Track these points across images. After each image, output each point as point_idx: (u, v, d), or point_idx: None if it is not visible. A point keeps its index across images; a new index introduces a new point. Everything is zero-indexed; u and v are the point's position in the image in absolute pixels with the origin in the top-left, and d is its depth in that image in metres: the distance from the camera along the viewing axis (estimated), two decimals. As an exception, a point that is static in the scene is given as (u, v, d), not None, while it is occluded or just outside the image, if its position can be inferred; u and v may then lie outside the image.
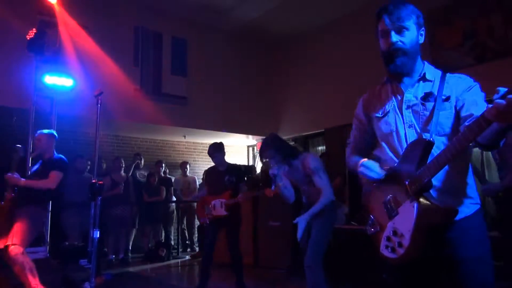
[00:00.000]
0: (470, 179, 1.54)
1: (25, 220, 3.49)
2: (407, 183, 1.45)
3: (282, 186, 3.22)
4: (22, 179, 3.62)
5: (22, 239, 3.42)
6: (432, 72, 1.62)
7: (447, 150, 1.34)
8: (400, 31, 1.56)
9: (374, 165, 1.64)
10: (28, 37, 4.91)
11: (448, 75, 1.59)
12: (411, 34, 1.56)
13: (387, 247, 1.50)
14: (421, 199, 1.41)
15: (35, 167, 3.92)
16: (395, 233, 1.47)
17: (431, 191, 1.43)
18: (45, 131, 3.99)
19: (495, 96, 1.16)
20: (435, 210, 1.39)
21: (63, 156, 3.96)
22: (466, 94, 1.50)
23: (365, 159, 1.71)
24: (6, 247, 3.38)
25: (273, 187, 4.13)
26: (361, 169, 1.66)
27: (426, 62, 1.66)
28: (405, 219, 1.44)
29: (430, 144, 1.43)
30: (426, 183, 1.40)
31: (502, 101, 1.13)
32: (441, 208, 1.40)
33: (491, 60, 5.25)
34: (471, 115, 1.41)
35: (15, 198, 3.63)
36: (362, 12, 6.56)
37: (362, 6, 6.48)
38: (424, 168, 1.41)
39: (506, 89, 1.14)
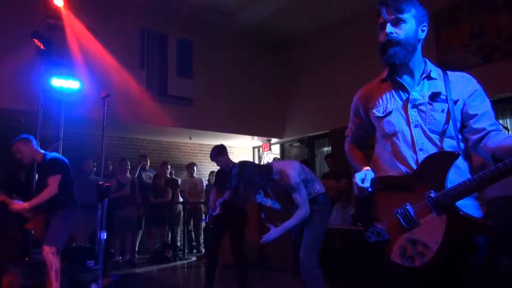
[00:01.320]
0: None
1: (56, 221, 3.57)
2: (433, 196, 1.41)
3: (271, 205, 3.19)
4: (25, 203, 3.52)
5: (54, 239, 3.51)
6: (435, 70, 1.59)
7: (480, 181, 1.31)
8: (396, 23, 1.53)
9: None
10: (37, 43, 4.94)
11: (450, 74, 1.56)
12: (408, 27, 1.53)
13: (403, 256, 1.48)
14: (452, 213, 1.39)
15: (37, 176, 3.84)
16: (415, 243, 1.45)
17: None
18: (18, 138, 3.79)
19: None
20: (466, 223, 1.37)
21: (56, 155, 3.84)
22: (476, 100, 1.50)
23: (368, 168, 1.69)
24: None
25: (262, 214, 4.06)
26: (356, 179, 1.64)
27: (427, 60, 1.62)
28: (431, 231, 1.41)
29: (456, 157, 1.40)
30: (454, 202, 1.38)
31: None
32: (474, 219, 1.37)
33: (498, 60, 5.20)
34: (484, 129, 1.45)
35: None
36: (368, 13, 6.54)
37: (367, 8, 6.46)
38: (453, 189, 1.37)
39: None
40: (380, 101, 1.65)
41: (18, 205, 3.51)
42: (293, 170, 3.03)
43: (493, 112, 1.50)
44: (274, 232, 2.98)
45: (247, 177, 2.91)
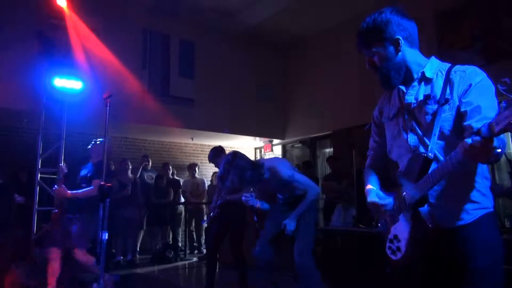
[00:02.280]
0: (479, 182, 1.44)
1: (82, 225, 3.84)
2: (404, 194, 1.49)
3: (260, 206, 3.22)
4: (68, 191, 3.86)
5: (82, 242, 3.83)
6: (435, 68, 1.53)
7: (438, 170, 1.35)
8: (371, 58, 1.58)
9: (375, 194, 1.68)
10: (37, 41, 4.98)
11: (453, 70, 1.49)
12: (381, 56, 1.54)
13: (389, 248, 1.57)
14: (416, 214, 1.44)
15: (85, 171, 4.11)
16: (395, 237, 1.54)
17: (430, 195, 1.42)
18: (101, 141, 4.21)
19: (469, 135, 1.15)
20: (426, 229, 1.42)
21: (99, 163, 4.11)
22: (469, 96, 1.39)
23: (369, 186, 1.75)
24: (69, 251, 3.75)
25: (255, 218, 4.09)
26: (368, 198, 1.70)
27: (433, 57, 1.58)
28: (403, 228, 1.50)
29: (427, 161, 1.43)
30: (419, 199, 1.42)
31: (468, 142, 1.12)
32: (431, 228, 1.42)
33: (501, 61, 5.19)
34: (469, 126, 1.32)
35: (64, 209, 3.95)
36: (369, 14, 6.52)
37: (369, 9, 6.45)
38: (418, 184, 1.43)
39: (484, 126, 1.10)
40: (389, 106, 1.69)
41: (62, 190, 3.83)
42: (283, 166, 3.10)
43: (491, 105, 1.35)
44: (289, 223, 3.04)
45: (239, 170, 2.87)
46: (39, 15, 5.49)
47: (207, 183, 7.97)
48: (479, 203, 1.43)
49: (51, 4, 5.22)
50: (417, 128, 1.52)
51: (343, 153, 7.03)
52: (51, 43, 5.10)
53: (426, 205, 1.42)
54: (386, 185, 1.71)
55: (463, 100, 1.41)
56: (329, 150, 8.11)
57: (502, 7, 5.31)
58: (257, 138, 8.91)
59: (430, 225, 1.41)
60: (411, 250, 1.45)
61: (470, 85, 1.41)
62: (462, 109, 1.40)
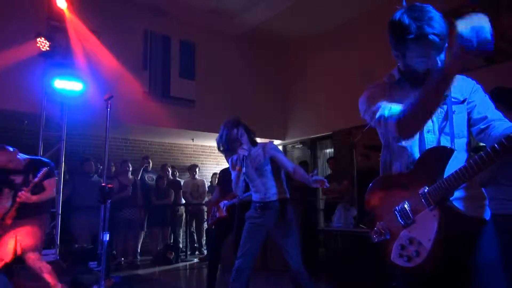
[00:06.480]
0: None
1: (37, 227, 3.54)
2: (426, 191, 1.39)
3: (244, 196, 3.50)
4: (34, 196, 3.49)
5: (36, 245, 3.49)
6: None
7: (470, 168, 1.28)
8: (442, 49, 1.45)
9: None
10: (39, 44, 4.97)
11: None
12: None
13: (401, 255, 1.44)
14: (443, 208, 1.35)
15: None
16: (411, 241, 1.42)
17: (451, 198, 1.39)
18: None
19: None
20: (459, 219, 1.34)
21: (34, 157, 3.82)
22: (474, 96, 1.51)
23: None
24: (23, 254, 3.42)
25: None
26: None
27: None
28: (425, 228, 1.38)
29: (451, 152, 1.38)
30: (447, 194, 1.36)
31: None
32: (466, 216, 1.34)
33: (501, 62, 5.19)
34: (485, 117, 1.45)
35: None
36: (370, 15, 6.54)
37: (369, 9, 6.46)
38: (444, 181, 1.34)
39: None
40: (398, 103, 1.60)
41: (27, 194, 3.44)
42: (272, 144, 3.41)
43: (493, 106, 1.50)
44: None
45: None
46: (40, 17, 5.50)
47: (208, 184, 7.97)
48: (487, 198, 1.51)
49: (51, 6, 5.23)
50: (436, 129, 1.51)
51: (343, 154, 7.03)
52: (51, 44, 5.10)
53: (452, 200, 1.37)
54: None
55: (469, 100, 1.51)
56: (329, 151, 8.11)
57: (503, 7, 5.31)
58: (258, 139, 8.90)
59: (468, 215, 1.35)
60: (439, 249, 1.33)
61: (476, 89, 1.53)
62: (471, 105, 1.50)
